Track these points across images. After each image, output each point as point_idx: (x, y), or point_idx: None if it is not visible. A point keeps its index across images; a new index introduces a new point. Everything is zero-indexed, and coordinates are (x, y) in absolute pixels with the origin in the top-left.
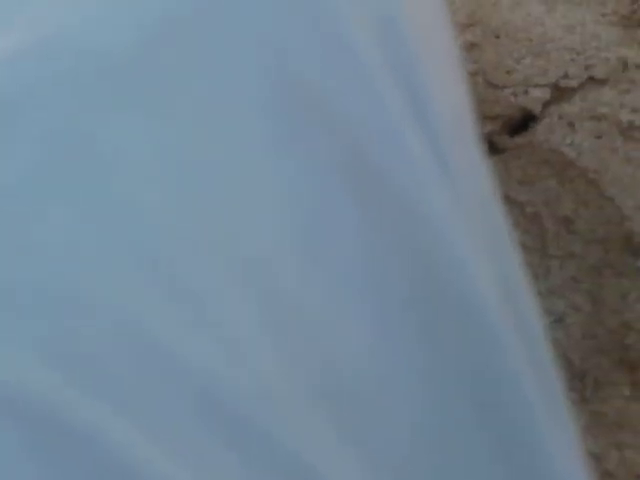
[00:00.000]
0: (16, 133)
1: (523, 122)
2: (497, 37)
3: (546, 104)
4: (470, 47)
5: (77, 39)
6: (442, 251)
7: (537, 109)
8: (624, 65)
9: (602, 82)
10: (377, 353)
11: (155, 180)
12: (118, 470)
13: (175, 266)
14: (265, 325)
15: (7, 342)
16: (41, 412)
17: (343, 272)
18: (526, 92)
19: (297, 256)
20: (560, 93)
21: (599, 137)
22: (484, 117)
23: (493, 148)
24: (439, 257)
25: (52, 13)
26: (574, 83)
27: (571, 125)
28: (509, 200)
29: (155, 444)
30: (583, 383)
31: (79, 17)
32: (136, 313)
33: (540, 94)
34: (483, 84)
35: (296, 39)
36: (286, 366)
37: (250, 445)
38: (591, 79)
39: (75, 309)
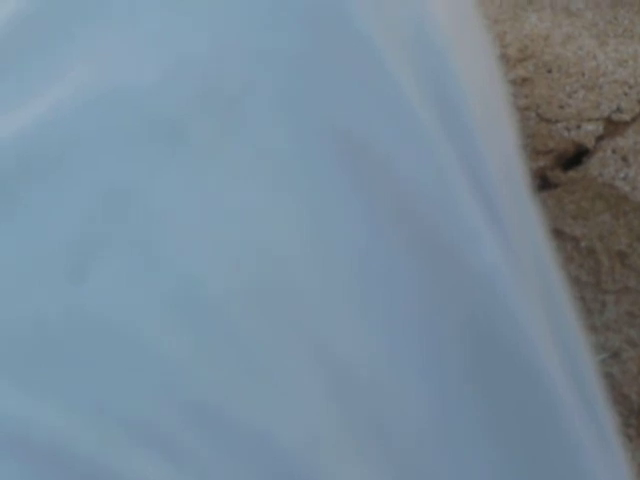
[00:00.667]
0: (60, 187)
1: (576, 156)
2: (549, 71)
3: (599, 138)
4: (522, 82)
5: (125, 99)
6: (497, 306)
7: (590, 143)
8: None
9: None
10: (437, 423)
11: (206, 237)
12: None
13: (232, 331)
14: (325, 392)
15: (53, 396)
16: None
17: (401, 335)
18: (579, 126)
19: (356, 305)
20: (613, 127)
21: None
22: (537, 152)
23: (546, 183)
24: (494, 313)
25: (113, 68)
26: (627, 117)
27: (625, 159)
28: (563, 235)
29: None
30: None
31: (128, 76)
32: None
33: (593, 128)
34: (536, 119)
35: (355, 102)
36: (346, 425)
37: None
38: None
39: (127, 367)
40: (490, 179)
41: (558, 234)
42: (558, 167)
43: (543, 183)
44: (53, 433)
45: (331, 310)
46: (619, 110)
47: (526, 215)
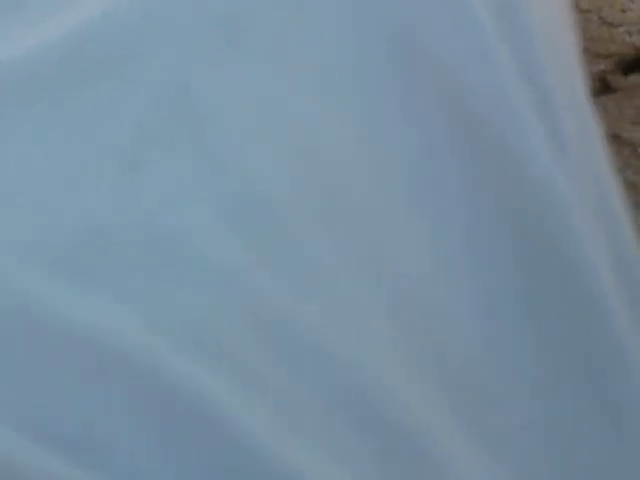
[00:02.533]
0: (123, 85)
1: (637, 61)
2: None
3: None
4: None
5: None
6: (551, 212)
7: None
8: None
9: None
10: (488, 334)
11: (256, 133)
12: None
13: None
14: (384, 305)
15: (111, 294)
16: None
17: (451, 237)
18: None
19: (408, 216)
20: None
21: None
22: (597, 55)
23: (606, 87)
24: (548, 219)
25: None
26: None
27: None
28: (621, 140)
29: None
30: None
31: None
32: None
33: None
34: (597, 22)
35: (423, 13)
36: (402, 347)
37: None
38: None
39: (174, 263)
40: (548, 84)
41: (616, 139)
42: (619, 71)
43: (603, 87)
44: (107, 333)
45: (386, 221)
46: None
47: (583, 119)
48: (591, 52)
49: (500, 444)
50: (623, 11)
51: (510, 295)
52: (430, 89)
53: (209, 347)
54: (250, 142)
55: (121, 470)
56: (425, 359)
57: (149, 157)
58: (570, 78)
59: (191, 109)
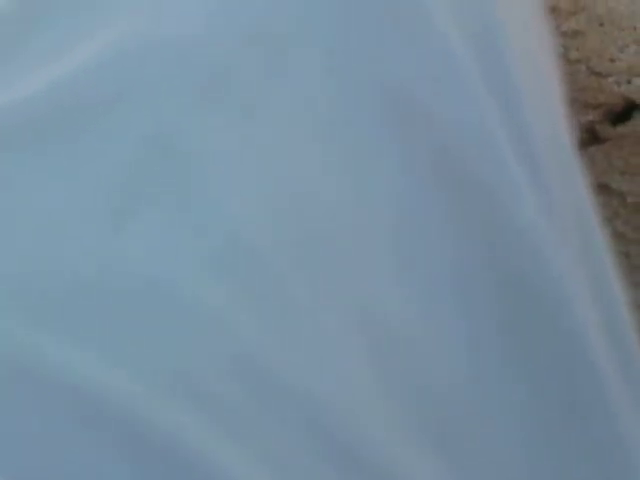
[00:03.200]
0: (109, 133)
1: (626, 111)
2: (601, 25)
3: None
4: (573, 35)
5: (172, 46)
6: (535, 262)
7: None
8: None
9: None
10: (471, 375)
11: (248, 184)
12: None
13: (260, 273)
14: (363, 349)
15: (96, 346)
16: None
17: (435, 282)
18: (629, 81)
19: (393, 262)
20: None
21: None
22: (586, 105)
23: (595, 137)
24: (531, 269)
25: (153, 22)
26: None
27: None
28: (610, 190)
29: (263, 466)
30: None
31: (173, 23)
32: (229, 323)
33: None
34: (586, 72)
35: (402, 54)
36: (384, 388)
37: (347, 463)
38: None
39: (161, 312)
40: (532, 133)
41: (605, 189)
42: (607, 121)
43: (591, 137)
44: (91, 382)
45: (370, 267)
46: None
47: (568, 169)
48: (580, 102)
49: (470, 470)
50: (612, 61)
51: (493, 342)
52: (417, 140)
53: (194, 395)
54: (234, 192)
55: None
56: (406, 401)
57: (135, 207)
58: (556, 129)
59: (176, 160)
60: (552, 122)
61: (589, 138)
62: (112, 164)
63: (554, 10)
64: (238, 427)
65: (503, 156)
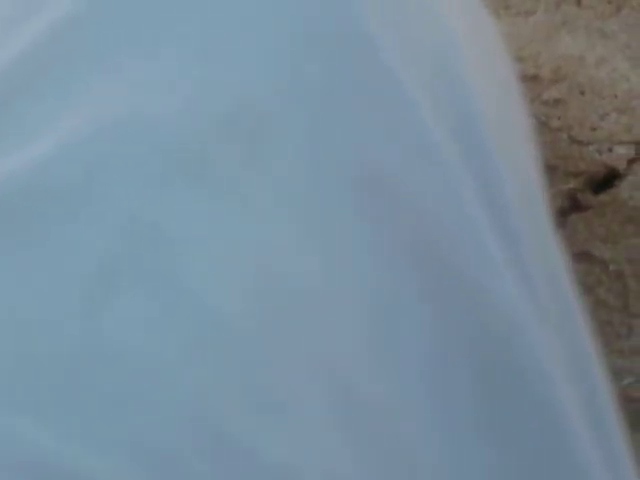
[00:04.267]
0: (82, 218)
1: (607, 179)
2: (582, 93)
3: (631, 161)
4: (555, 103)
5: (145, 127)
6: (517, 352)
7: (622, 166)
8: None
9: None
10: (443, 457)
11: (224, 267)
12: None
13: (241, 358)
14: (337, 422)
15: (80, 435)
16: None
17: (410, 369)
18: (611, 149)
19: (364, 340)
20: None
21: None
22: (568, 174)
23: (576, 205)
24: (513, 357)
25: (123, 99)
26: None
27: None
28: (592, 258)
29: None
30: None
31: (149, 104)
32: (205, 403)
33: (625, 151)
34: (567, 140)
35: (376, 135)
36: (356, 462)
37: None
38: None
39: (144, 399)
40: (509, 209)
41: (587, 257)
42: (589, 189)
43: (573, 205)
44: (73, 467)
45: (343, 344)
46: None
47: (545, 241)
48: (561, 170)
49: None
50: (593, 129)
51: (468, 418)
52: (392, 222)
53: (163, 471)
54: (209, 276)
55: None
56: (377, 469)
57: (114, 292)
58: (532, 200)
59: (150, 247)
60: (529, 193)
61: (571, 206)
62: (88, 249)
63: (535, 78)
64: None
65: (481, 239)
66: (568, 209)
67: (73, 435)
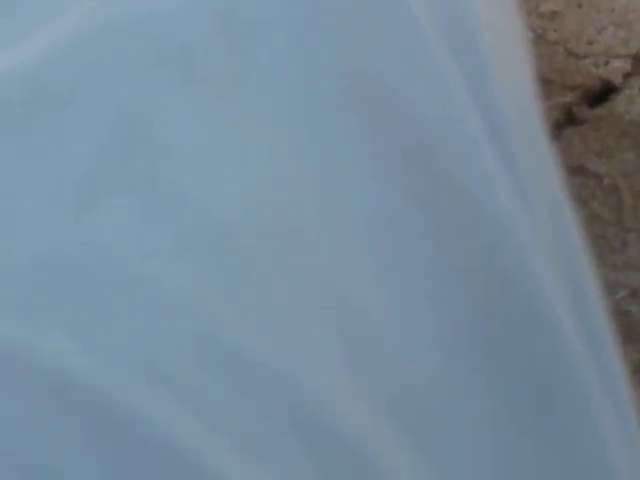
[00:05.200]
0: (75, 117)
1: (603, 93)
2: (579, 6)
3: (627, 75)
4: (552, 16)
5: (140, 25)
6: (509, 255)
7: (618, 80)
8: None
9: None
10: (442, 364)
11: (209, 168)
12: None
13: (226, 257)
14: (336, 330)
15: (65, 330)
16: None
17: (410, 279)
18: (607, 63)
19: (365, 250)
20: None
21: None
22: (564, 87)
23: (572, 119)
24: (505, 261)
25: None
26: None
27: None
28: (587, 172)
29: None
30: None
31: (142, 5)
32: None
33: (621, 65)
34: (564, 54)
35: (371, 40)
36: (353, 370)
37: (316, 441)
38: None
39: (131, 294)
40: (504, 119)
41: (582, 171)
42: (584, 103)
43: (569, 119)
44: (60, 363)
45: (341, 252)
46: None
47: (540, 153)
48: (557, 84)
49: (447, 468)
50: (590, 43)
51: (466, 332)
52: (386, 127)
53: (161, 377)
54: (202, 175)
55: None
56: (375, 381)
57: (104, 192)
58: (529, 115)
59: (143, 144)
60: (524, 105)
61: (566, 120)
62: (79, 148)
63: None
64: (206, 407)
65: (476, 145)
66: (563, 123)
67: (56, 330)
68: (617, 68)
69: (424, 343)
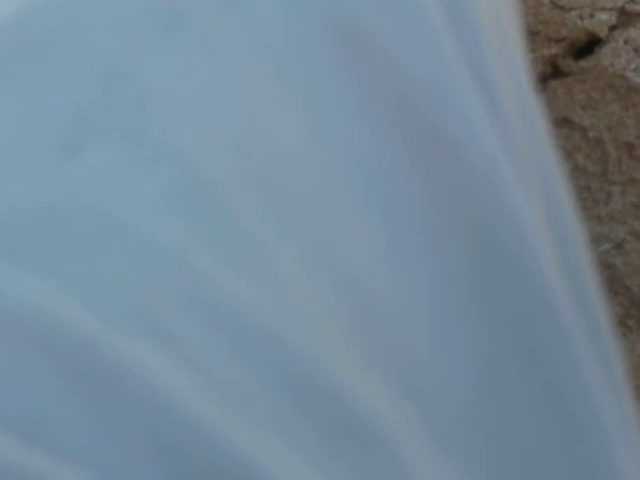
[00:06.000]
0: (62, 66)
1: (588, 46)
2: None
3: (612, 28)
4: None
5: None
6: (494, 203)
7: (603, 33)
8: None
9: None
10: (436, 321)
11: (195, 118)
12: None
13: (211, 201)
14: (330, 289)
15: (51, 277)
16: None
17: (402, 237)
18: (592, 15)
19: (356, 206)
20: (627, 17)
21: None
22: (549, 39)
23: (557, 71)
24: (493, 213)
25: None
26: None
27: (636, 50)
28: (572, 124)
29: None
30: None
31: None
32: (180, 245)
33: (606, 18)
34: (549, 5)
35: (366, 4)
36: (347, 328)
37: (306, 398)
38: None
39: (120, 244)
40: (492, 72)
41: (567, 123)
42: (570, 55)
43: (554, 71)
44: (42, 308)
45: (334, 211)
46: (633, 1)
47: (527, 107)
48: (542, 36)
49: (449, 437)
50: None
51: (458, 285)
52: (376, 78)
53: (151, 328)
54: (191, 127)
55: (66, 449)
56: (375, 347)
57: (88, 140)
58: (515, 67)
59: (131, 94)
60: (511, 58)
61: (551, 72)
62: (65, 96)
63: None
64: (193, 357)
65: (463, 96)
66: (549, 75)
67: (42, 276)
68: (602, 21)
69: (421, 304)
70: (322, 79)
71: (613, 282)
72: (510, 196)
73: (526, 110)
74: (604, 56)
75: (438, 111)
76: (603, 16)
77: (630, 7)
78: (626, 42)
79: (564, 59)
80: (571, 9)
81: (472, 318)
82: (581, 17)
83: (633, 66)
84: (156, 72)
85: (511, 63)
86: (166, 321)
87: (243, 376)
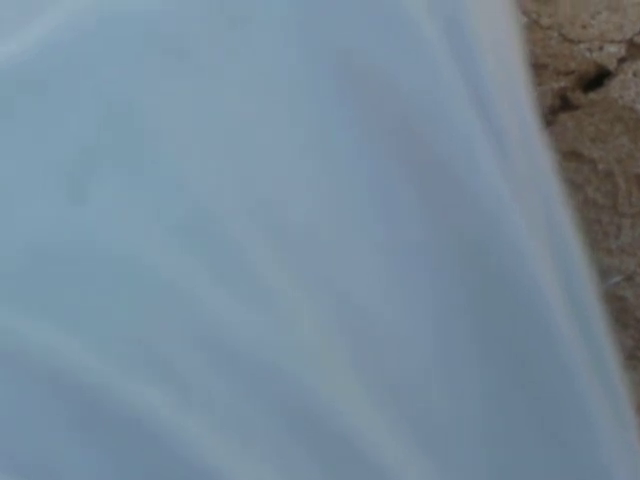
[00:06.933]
0: (68, 103)
1: (597, 78)
2: None
3: (621, 60)
4: (546, 1)
5: (126, 5)
6: (495, 230)
7: (612, 65)
8: None
9: None
10: (439, 352)
11: (199, 149)
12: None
13: (213, 233)
14: (335, 324)
15: (59, 319)
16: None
17: (403, 265)
18: (601, 48)
19: (359, 236)
20: (635, 49)
21: None
22: (558, 72)
23: (566, 104)
24: (492, 238)
25: None
26: None
27: None
28: (581, 157)
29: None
30: None
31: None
32: (181, 279)
33: (615, 50)
34: (558, 38)
35: (362, 21)
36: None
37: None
38: None
39: (125, 277)
40: (494, 102)
41: (576, 156)
42: (579, 88)
43: (563, 104)
44: (50, 352)
45: (336, 241)
46: None
47: (530, 139)
48: (551, 69)
49: (443, 455)
50: (584, 27)
51: (460, 315)
52: (378, 108)
53: (151, 363)
54: (197, 162)
55: None
56: (371, 372)
57: (92, 177)
58: (518, 100)
59: (137, 130)
60: (515, 94)
61: (560, 105)
62: (68, 133)
63: None
64: (200, 398)
65: (469, 133)
66: (558, 108)
67: (45, 318)
68: (611, 53)
69: (421, 330)
70: (325, 109)
71: (623, 314)
72: (511, 224)
73: (529, 142)
74: (613, 88)
75: (438, 138)
76: (612, 48)
77: (639, 39)
78: (635, 74)
79: (573, 92)
80: (580, 42)
81: (473, 347)
82: (590, 50)
83: None
84: (159, 104)
85: (514, 96)
86: (170, 357)
87: (247, 412)
